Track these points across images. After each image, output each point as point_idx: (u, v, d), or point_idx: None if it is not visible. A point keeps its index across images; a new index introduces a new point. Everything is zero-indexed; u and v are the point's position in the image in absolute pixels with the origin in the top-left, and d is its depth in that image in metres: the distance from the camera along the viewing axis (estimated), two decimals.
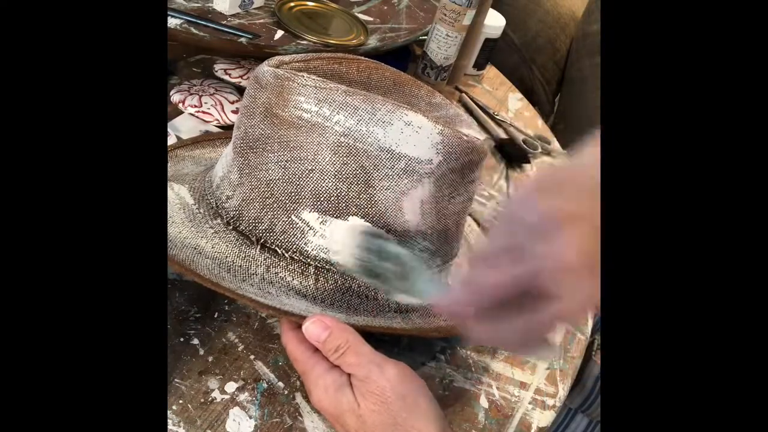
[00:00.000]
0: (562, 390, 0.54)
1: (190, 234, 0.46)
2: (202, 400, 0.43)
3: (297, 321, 0.42)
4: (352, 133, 0.43)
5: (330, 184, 0.44)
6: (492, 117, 0.91)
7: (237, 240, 0.46)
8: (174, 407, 0.42)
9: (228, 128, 0.66)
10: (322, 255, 0.45)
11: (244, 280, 0.44)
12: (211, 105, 0.67)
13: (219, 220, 0.47)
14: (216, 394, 0.44)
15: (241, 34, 0.70)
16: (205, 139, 0.62)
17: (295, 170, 0.44)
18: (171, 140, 0.63)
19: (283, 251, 0.45)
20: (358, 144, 0.43)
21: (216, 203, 0.48)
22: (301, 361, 0.41)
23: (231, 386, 0.44)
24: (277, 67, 0.46)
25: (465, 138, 0.46)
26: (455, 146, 0.45)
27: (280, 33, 0.74)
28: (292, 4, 0.81)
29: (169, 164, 0.56)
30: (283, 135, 0.44)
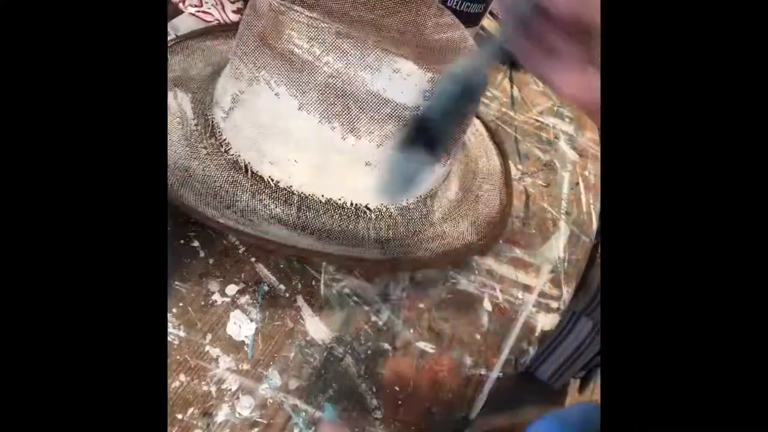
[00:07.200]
0: (567, 293, 0.54)
1: (184, 153, 0.47)
2: (203, 303, 0.43)
3: None
4: (340, 75, 0.43)
5: (316, 124, 0.44)
6: (494, 16, 0.87)
7: (227, 164, 0.48)
8: (174, 310, 0.42)
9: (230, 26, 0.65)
10: (304, 190, 0.47)
11: (228, 207, 0.45)
12: (212, 4, 0.66)
13: (213, 140, 0.48)
14: (216, 296, 0.43)
15: None
16: (218, 30, 0.62)
17: (284, 105, 0.44)
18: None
19: (269, 179, 0.47)
20: (345, 86, 0.43)
21: (213, 121, 0.49)
22: None
23: (232, 289, 0.44)
24: None
25: None
26: None
27: None
28: None
29: (179, 57, 0.56)
30: (275, 67, 0.44)
